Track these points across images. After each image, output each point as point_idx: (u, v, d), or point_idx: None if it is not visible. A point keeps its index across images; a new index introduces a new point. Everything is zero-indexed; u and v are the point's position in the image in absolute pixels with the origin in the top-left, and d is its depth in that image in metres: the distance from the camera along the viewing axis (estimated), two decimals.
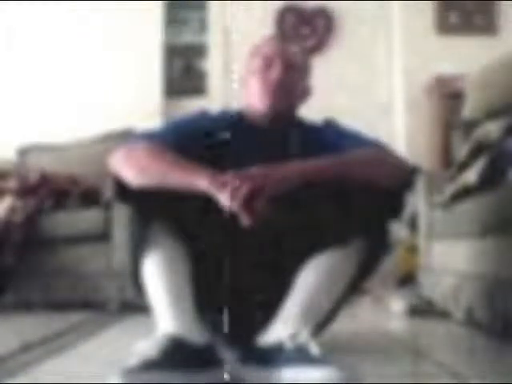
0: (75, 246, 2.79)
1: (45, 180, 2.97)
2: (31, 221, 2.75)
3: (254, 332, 1.31)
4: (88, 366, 1.49)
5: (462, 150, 2.21)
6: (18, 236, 2.71)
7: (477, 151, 2.03)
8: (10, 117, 3.71)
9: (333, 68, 3.85)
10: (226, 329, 1.51)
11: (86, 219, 2.80)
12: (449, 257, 2.28)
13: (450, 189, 2.24)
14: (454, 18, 3.86)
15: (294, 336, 1.20)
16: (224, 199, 1.23)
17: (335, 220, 1.33)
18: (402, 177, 1.43)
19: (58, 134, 3.40)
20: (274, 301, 1.34)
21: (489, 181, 1.86)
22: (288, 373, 1.13)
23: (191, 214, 1.34)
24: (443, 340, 1.94)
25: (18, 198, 2.82)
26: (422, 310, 2.44)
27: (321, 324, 1.36)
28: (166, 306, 1.28)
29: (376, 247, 1.41)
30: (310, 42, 3.91)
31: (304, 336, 1.20)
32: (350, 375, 1.08)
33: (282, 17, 3.95)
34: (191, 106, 3.48)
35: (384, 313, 2.61)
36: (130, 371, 1.07)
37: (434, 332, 2.09)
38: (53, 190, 2.91)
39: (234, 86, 3.58)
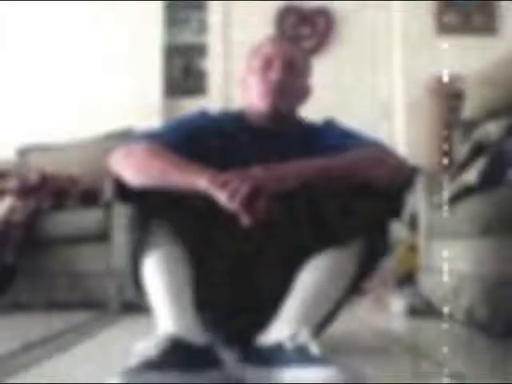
0: (75, 246, 2.79)
1: (45, 180, 2.97)
2: (31, 221, 2.75)
3: (253, 332, 1.31)
4: (88, 366, 1.49)
5: (462, 150, 2.21)
6: (18, 236, 2.71)
7: (477, 151, 2.03)
8: (10, 117, 3.71)
9: (333, 68, 3.85)
10: (226, 329, 1.52)
11: (85, 219, 2.80)
12: (449, 257, 2.27)
13: (450, 189, 2.24)
14: (453, 18, 3.86)
15: (294, 336, 1.20)
16: (224, 199, 1.23)
17: (335, 220, 1.33)
18: (402, 177, 1.43)
19: (58, 134, 3.40)
20: (274, 301, 1.34)
21: (489, 181, 1.86)
22: (288, 373, 1.13)
23: (191, 214, 1.34)
24: (443, 340, 1.94)
25: (18, 198, 2.82)
26: (422, 310, 2.44)
27: (321, 324, 1.36)
28: (165, 306, 1.28)
29: (376, 247, 1.41)
30: (310, 42, 3.91)
31: (304, 336, 1.20)
32: (351, 375, 1.08)
33: (282, 17, 3.94)
34: (191, 106, 3.47)
35: (384, 313, 2.61)
36: (130, 371, 1.07)
37: (434, 332, 2.09)
38: (53, 190, 2.91)
39: (234, 86, 3.58)
